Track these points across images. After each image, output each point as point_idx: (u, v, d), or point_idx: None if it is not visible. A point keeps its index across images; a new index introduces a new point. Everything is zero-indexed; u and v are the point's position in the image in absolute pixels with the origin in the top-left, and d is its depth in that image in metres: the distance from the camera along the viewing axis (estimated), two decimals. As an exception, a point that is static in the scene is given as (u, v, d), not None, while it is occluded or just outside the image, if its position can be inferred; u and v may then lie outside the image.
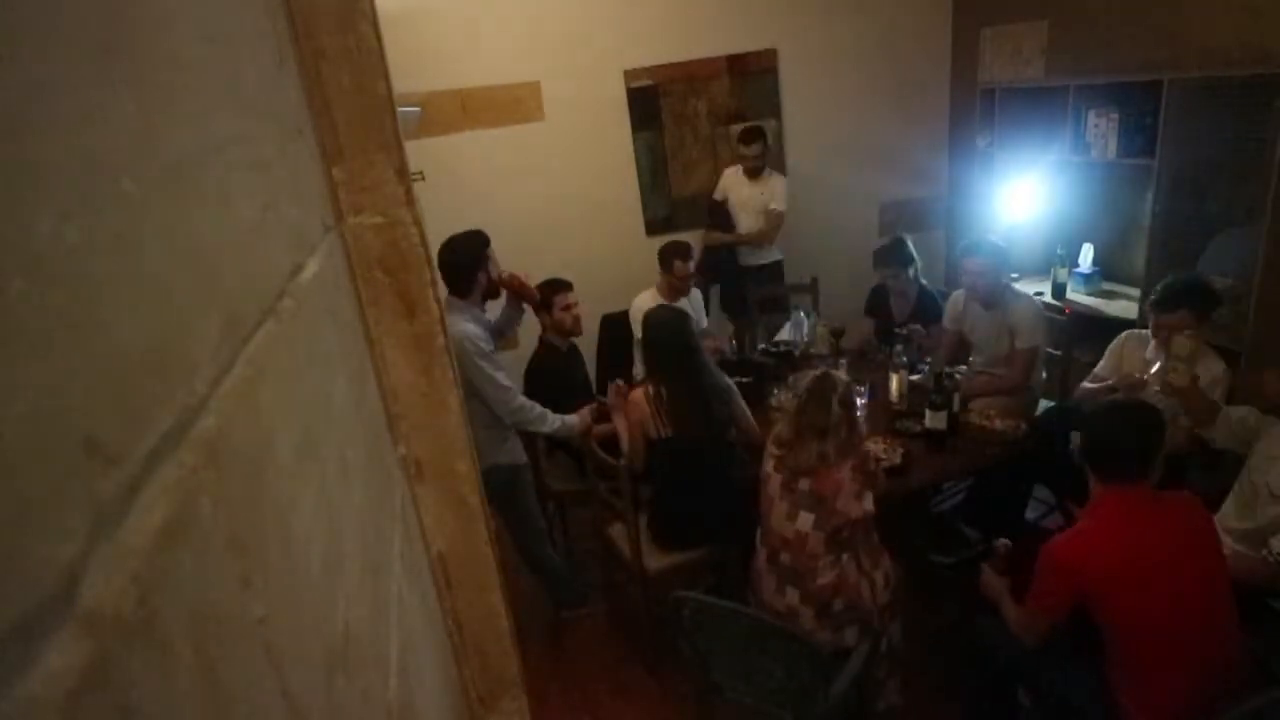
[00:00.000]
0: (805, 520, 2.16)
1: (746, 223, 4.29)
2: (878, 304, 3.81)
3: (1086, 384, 2.92)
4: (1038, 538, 3.12)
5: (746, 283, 4.31)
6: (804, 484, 2.17)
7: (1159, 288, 2.65)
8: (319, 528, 0.48)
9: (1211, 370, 2.55)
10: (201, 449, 0.32)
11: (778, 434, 2.29)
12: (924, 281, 3.69)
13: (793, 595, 2.21)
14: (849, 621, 2.20)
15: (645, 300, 3.60)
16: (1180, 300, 2.57)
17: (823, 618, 2.18)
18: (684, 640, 2.18)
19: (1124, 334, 2.93)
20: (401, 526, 0.80)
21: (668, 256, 3.59)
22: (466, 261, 2.74)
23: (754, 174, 4.21)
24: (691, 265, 3.62)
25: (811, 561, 2.17)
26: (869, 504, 2.16)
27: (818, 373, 2.28)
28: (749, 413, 2.78)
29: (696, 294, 3.84)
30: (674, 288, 3.62)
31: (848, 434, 2.18)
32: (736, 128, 4.34)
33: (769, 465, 2.26)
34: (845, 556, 2.18)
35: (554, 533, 3.30)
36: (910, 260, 3.56)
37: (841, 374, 2.33)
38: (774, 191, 4.22)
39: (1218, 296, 2.67)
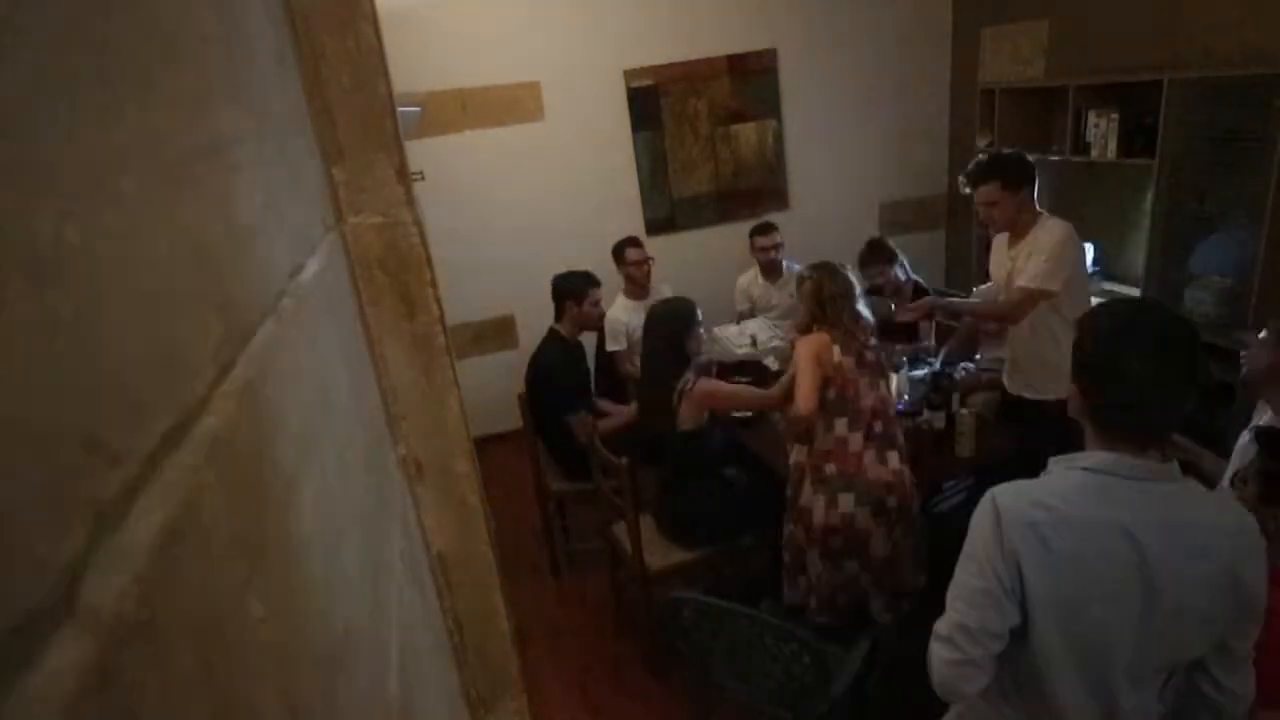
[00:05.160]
0: (882, 386, 2.33)
1: (757, 328, 3.79)
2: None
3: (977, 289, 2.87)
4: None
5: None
6: (869, 355, 2.31)
7: (970, 165, 2.50)
8: (319, 527, 0.48)
9: (1044, 244, 2.42)
10: (202, 449, 0.32)
11: None
12: (917, 278, 3.50)
13: (893, 458, 2.28)
14: (902, 529, 2.27)
15: (616, 309, 3.59)
16: (988, 172, 2.43)
17: (879, 516, 2.23)
18: (684, 640, 2.18)
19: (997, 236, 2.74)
20: (401, 526, 0.80)
21: (619, 248, 3.57)
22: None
23: (771, 271, 3.83)
24: (643, 252, 3.60)
25: (894, 425, 2.32)
26: (884, 391, 2.30)
27: (817, 264, 2.37)
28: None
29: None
30: (633, 279, 3.59)
31: (804, 320, 2.35)
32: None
33: (836, 354, 2.27)
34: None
35: (554, 533, 3.30)
36: (893, 257, 3.38)
37: (845, 271, 2.37)
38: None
39: (1030, 168, 2.44)
